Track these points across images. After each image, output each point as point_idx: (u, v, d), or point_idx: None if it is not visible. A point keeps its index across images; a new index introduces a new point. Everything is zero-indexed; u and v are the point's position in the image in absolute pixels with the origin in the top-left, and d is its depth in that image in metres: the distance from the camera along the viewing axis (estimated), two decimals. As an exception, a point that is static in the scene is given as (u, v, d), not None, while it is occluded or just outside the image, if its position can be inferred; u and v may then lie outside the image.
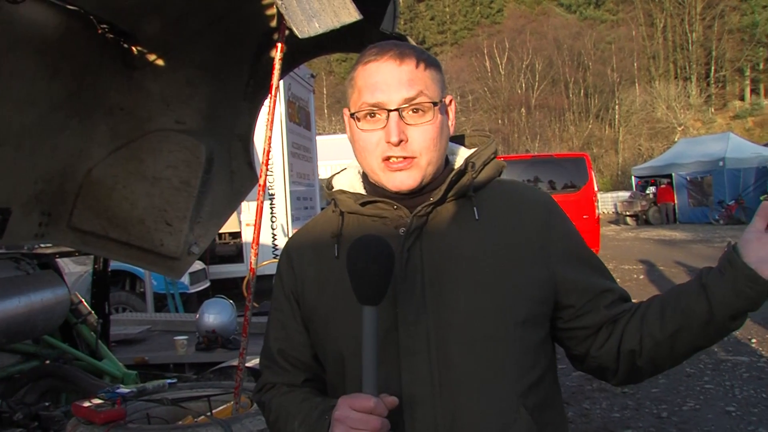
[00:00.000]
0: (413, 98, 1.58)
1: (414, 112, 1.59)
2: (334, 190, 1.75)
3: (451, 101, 1.71)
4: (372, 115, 1.60)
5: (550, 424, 1.65)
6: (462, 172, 1.66)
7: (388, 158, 1.60)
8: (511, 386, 1.57)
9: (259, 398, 1.82)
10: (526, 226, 1.66)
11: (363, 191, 1.72)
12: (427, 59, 1.63)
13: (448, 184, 1.63)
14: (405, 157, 1.59)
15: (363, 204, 1.66)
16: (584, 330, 1.68)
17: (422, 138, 1.59)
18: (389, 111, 1.57)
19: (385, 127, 1.58)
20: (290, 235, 11.91)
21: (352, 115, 1.64)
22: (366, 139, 1.61)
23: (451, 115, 1.71)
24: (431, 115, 1.60)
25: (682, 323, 1.56)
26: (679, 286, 1.65)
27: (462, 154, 1.75)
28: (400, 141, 1.57)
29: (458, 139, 1.82)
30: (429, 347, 1.56)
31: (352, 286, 1.46)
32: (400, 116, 1.58)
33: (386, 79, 1.58)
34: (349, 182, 1.76)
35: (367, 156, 1.63)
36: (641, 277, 15.02)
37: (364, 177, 1.74)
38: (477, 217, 1.63)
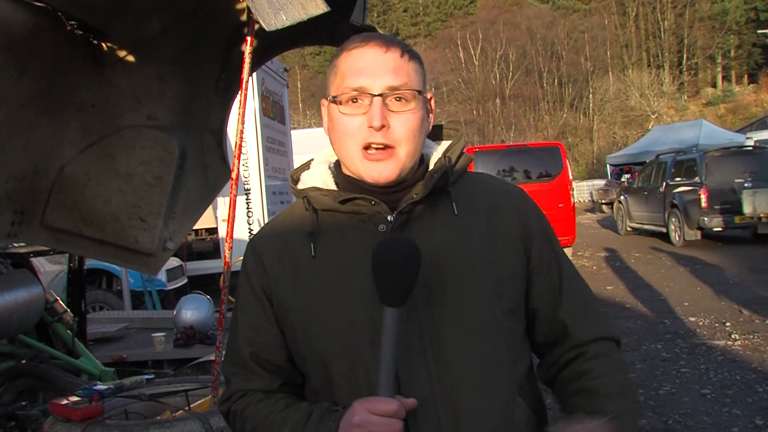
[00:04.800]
0: (397, 87, 1.55)
1: (397, 100, 1.55)
2: (307, 187, 1.67)
3: (431, 98, 1.67)
4: (355, 100, 1.56)
5: (542, 410, 1.67)
6: (445, 166, 1.63)
7: (367, 147, 1.55)
8: (507, 377, 1.58)
9: (228, 408, 1.70)
10: (504, 218, 1.65)
11: (335, 187, 1.67)
12: (411, 52, 1.61)
13: (437, 180, 1.60)
14: (385, 146, 1.55)
15: (342, 202, 1.59)
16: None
17: (404, 126, 1.56)
18: (373, 96, 1.54)
19: (367, 112, 1.54)
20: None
21: (334, 98, 1.59)
22: (347, 123, 1.57)
23: (431, 113, 1.68)
24: (414, 105, 1.57)
25: None
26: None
27: (439, 149, 1.71)
28: (382, 126, 1.53)
29: (435, 131, 1.80)
30: (423, 345, 1.53)
31: (376, 286, 1.44)
32: (384, 102, 1.54)
33: (371, 64, 1.55)
34: (321, 179, 1.68)
35: (347, 142, 1.58)
36: (617, 263, 15.15)
37: (336, 171, 1.69)
38: (456, 212, 1.61)
